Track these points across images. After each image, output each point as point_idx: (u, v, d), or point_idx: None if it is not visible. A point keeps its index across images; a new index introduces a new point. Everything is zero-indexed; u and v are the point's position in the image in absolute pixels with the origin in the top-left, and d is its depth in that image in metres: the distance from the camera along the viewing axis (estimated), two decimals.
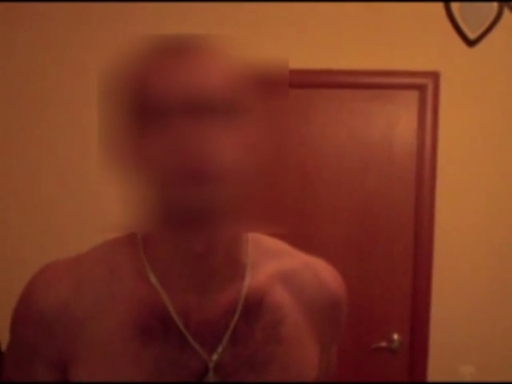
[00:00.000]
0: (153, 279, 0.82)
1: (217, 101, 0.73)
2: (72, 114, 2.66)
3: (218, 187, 0.73)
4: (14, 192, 2.67)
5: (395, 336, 2.67)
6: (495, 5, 2.44)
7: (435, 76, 2.63)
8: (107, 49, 2.64)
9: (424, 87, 2.63)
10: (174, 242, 0.80)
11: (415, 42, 2.64)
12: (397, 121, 2.67)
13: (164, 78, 0.73)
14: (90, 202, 2.66)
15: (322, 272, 0.93)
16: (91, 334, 0.81)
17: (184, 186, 0.72)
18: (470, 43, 2.44)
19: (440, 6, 2.60)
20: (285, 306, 0.87)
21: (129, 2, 2.61)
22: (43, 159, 2.66)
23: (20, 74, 2.65)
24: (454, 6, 2.49)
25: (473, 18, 2.44)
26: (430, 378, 2.66)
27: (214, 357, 0.81)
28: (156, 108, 0.72)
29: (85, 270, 0.84)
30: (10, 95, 2.66)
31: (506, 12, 2.55)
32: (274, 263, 0.90)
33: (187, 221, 0.76)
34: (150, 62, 0.75)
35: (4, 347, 2.02)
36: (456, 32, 2.41)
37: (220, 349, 0.82)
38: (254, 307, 0.84)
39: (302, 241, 2.68)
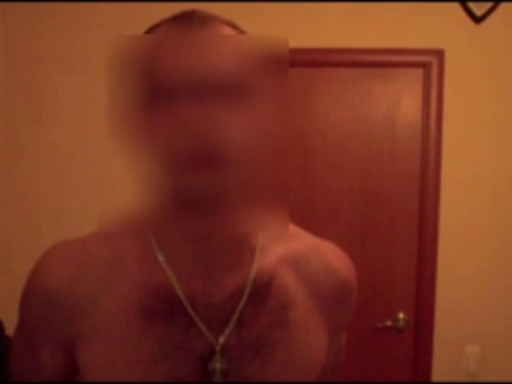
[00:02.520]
0: (161, 259, 0.82)
1: (226, 82, 0.72)
2: (80, 100, 2.64)
3: (227, 170, 0.72)
4: (22, 178, 2.66)
5: (401, 315, 2.68)
6: None
7: (440, 54, 2.59)
8: (118, 28, 2.61)
9: (428, 65, 2.60)
10: (182, 224, 0.79)
11: (419, 19, 2.60)
12: (401, 100, 2.65)
13: (173, 58, 0.72)
14: (99, 186, 2.65)
15: (330, 256, 0.92)
16: (96, 314, 0.81)
17: (193, 168, 0.71)
18: (477, 20, 2.40)
19: None
20: (293, 291, 0.86)
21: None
22: (52, 144, 2.65)
23: (27, 53, 2.63)
24: None
25: None
26: (436, 357, 2.67)
27: (221, 339, 0.81)
28: (165, 89, 0.72)
29: (91, 250, 0.83)
30: (17, 78, 2.64)
31: None
32: (282, 246, 0.89)
33: (196, 203, 0.75)
34: (160, 42, 0.74)
35: (10, 331, 2.03)
36: (462, 8, 2.38)
37: (227, 332, 0.81)
38: (262, 291, 0.83)
39: (305, 222, 2.67)
